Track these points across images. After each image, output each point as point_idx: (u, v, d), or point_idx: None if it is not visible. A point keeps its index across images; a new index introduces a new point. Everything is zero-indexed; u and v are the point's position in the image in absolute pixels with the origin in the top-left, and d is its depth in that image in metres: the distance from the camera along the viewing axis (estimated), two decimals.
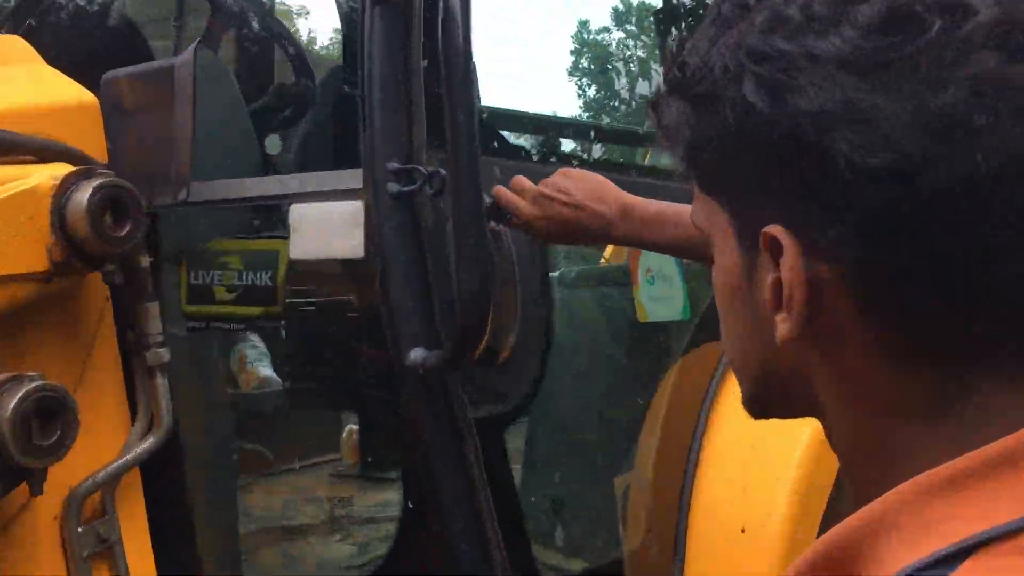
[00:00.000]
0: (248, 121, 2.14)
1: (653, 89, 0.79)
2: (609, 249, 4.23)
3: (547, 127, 2.21)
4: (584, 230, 1.62)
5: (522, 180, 1.65)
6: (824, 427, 0.72)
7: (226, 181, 1.67)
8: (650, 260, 2.21)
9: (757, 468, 2.18)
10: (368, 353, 2.13)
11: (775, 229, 0.64)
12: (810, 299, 0.64)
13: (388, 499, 3.03)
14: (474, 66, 1.58)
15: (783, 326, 0.66)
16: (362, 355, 2.19)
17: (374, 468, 3.36)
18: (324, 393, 2.67)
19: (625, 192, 1.61)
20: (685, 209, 1.57)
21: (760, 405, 0.77)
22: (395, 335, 1.61)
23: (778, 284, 0.65)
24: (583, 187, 1.60)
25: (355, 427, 3.58)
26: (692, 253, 1.63)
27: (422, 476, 1.66)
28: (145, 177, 1.65)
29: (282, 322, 1.77)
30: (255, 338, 3.84)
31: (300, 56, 2.70)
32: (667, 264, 2.27)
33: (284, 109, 2.51)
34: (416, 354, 1.60)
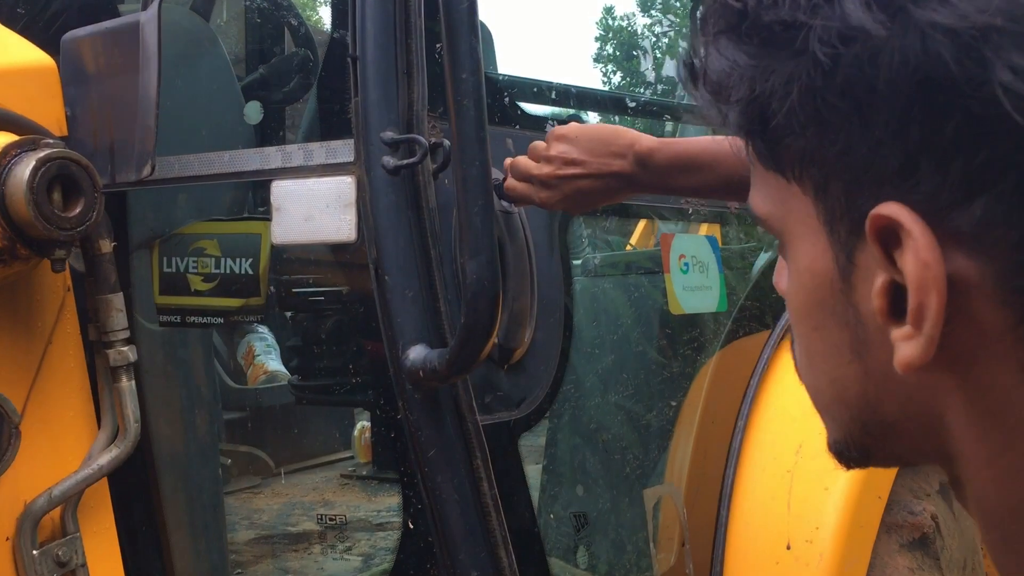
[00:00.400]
0: (238, 91, 1.94)
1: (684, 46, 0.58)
2: (636, 235, 4.01)
3: (568, 98, 1.99)
4: (605, 195, 1.40)
5: (523, 163, 1.42)
6: (955, 478, 0.51)
7: (198, 155, 1.46)
8: (684, 245, 1.98)
9: (803, 476, 1.96)
10: (374, 346, 1.93)
11: (893, 209, 0.45)
12: (949, 306, 0.45)
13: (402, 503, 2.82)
14: (483, 25, 1.36)
15: (907, 346, 0.46)
16: (368, 348, 1.99)
17: (388, 468, 3.15)
18: (334, 388, 2.46)
19: (638, 134, 1.38)
20: (713, 144, 1.35)
21: (858, 452, 0.55)
22: (392, 332, 1.40)
23: (893, 288, 0.47)
24: (589, 147, 1.37)
25: (368, 424, 3.39)
26: (729, 195, 1.44)
27: (425, 490, 1.45)
28: (107, 150, 1.45)
29: (261, 316, 1.56)
30: (263, 329, 3.66)
31: (301, 26, 2.49)
32: (702, 249, 2.04)
33: (283, 82, 2.30)
34: (416, 353, 1.39)
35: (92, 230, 1.39)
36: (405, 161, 1.39)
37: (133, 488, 1.60)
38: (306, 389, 2.58)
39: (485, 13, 1.79)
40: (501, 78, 1.81)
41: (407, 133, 1.41)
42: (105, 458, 1.46)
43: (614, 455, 1.77)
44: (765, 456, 2.02)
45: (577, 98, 2.05)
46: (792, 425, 2.04)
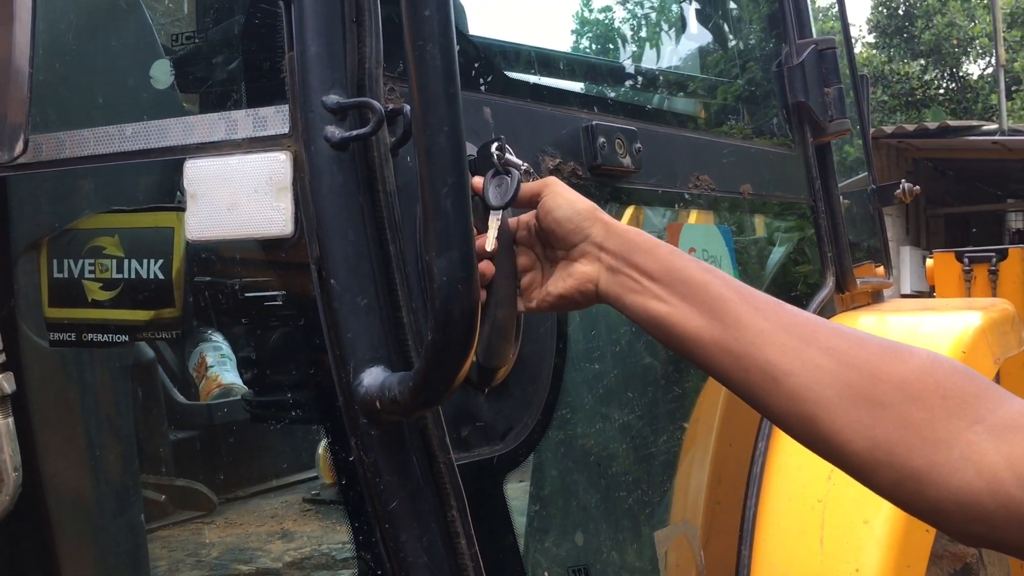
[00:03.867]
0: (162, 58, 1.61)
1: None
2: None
3: (555, 66, 1.69)
4: None
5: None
6: None
7: (93, 130, 1.15)
8: (693, 237, 1.69)
9: (838, 507, 1.66)
10: (323, 360, 1.62)
11: None
12: None
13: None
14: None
15: None
16: (318, 361, 1.68)
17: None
18: (288, 404, 2.15)
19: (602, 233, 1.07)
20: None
21: None
22: (340, 350, 1.09)
23: None
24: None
25: None
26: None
27: (387, 552, 1.15)
28: None
29: (177, 331, 1.24)
30: (219, 338, 3.33)
31: None
32: (714, 242, 1.75)
33: (227, 56, 1.97)
34: (371, 378, 1.08)
35: None
36: (355, 132, 1.09)
37: (24, 551, 1.29)
38: (259, 405, 2.27)
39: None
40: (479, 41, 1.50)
41: (357, 96, 1.10)
42: None
43: (619, 494, 1.47)
44: (791, 483, 1.72)
45: (568, 66, 1.75)
46: None
